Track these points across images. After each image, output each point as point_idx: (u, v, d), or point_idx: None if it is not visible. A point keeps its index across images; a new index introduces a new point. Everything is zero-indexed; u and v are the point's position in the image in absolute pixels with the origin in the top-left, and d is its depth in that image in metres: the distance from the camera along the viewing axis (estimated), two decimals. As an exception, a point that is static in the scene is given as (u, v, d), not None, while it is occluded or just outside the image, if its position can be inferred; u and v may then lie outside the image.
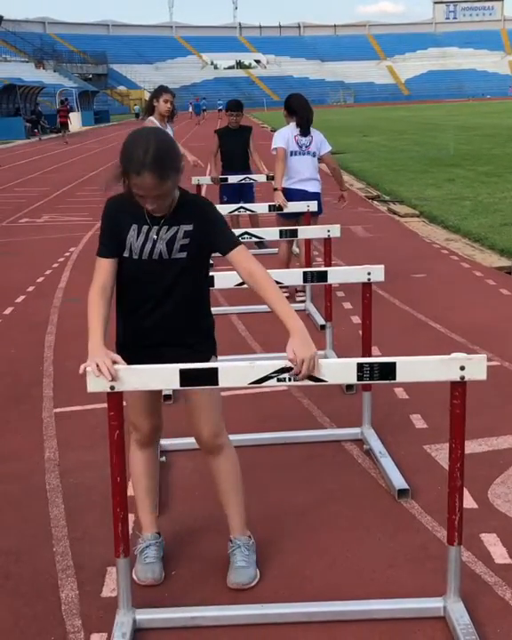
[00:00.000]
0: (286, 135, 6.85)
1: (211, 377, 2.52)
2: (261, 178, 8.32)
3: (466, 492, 3.51)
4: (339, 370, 2.56)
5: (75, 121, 45.21)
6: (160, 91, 7.95)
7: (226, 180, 8.51)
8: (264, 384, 2.52)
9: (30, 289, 7.76)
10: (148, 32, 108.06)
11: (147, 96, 70.71)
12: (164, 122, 7.86)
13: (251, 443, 4.10)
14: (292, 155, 6.85)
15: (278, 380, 2.53)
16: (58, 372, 5.30)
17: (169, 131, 7.98)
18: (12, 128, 37.24)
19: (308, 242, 6.36)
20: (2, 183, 18.14)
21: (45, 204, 14.29)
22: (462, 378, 2.48)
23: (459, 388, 2.51)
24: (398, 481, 3.58)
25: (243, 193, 8.84)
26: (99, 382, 2.51)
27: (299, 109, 6.89)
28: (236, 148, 8.84)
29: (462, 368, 2.47)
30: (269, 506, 3.50)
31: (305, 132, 6.86)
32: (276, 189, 6.82)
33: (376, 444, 3.95)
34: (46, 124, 41.86)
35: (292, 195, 6.81)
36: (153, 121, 7.87)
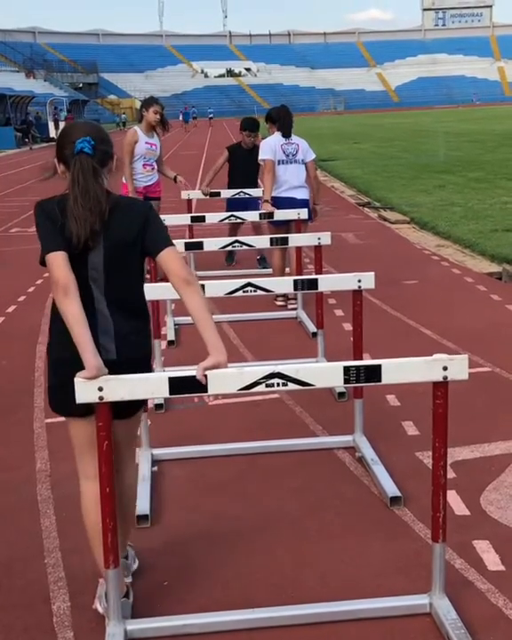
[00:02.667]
0: (273, 145, 6.91)
1: (200, 384, 2.52)
2: (257, 192, 7.98)
3: (458, 499, 3.51)
4: (326, 373, 2.57)
5: (66, 130, 45.21)
6: (150, 101, 7.99)
7: (218, 194, 8.29)
8: (254, 390, 2.51)
9: (21, 299, 7.74)
10: (139, 41, 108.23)
11: (137, 105, 70.67)
12: (151, 132, 7.86)
13: (243, 451, 4.10)
14: (279, 164, 6.90)
15: (267, 386, 2.53)
16: (49, 381, 5.27)
17: (154, 141, 7.93)
18: (2, 137, 37.24)
19: (298, 249, 6.37)
20: (-7, 193, 18.12)
21: (36, 213, 14.27)
22: (445, 378, 2.54)
23: (441, 388, 2.56)
24: (390, 488, 3.57)
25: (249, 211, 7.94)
26: (87, 393, 2.50)
27: (278, 117, 7.04)
28: (247, 167, 8.19)
29: (445, 368, 2.53)
30: (262, 514, 3.49)
31: (287, 135, 6.95)
32: (265, 201, 6.86)
33: (368, 452, 3.94)
34: (37, 133, 41.88)
35: (281, 203, 6.84)
36: (136, 130, 7.89)
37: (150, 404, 4.55)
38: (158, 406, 4.66)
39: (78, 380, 2.49)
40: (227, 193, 8.28)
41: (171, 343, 6.00)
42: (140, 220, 2.66)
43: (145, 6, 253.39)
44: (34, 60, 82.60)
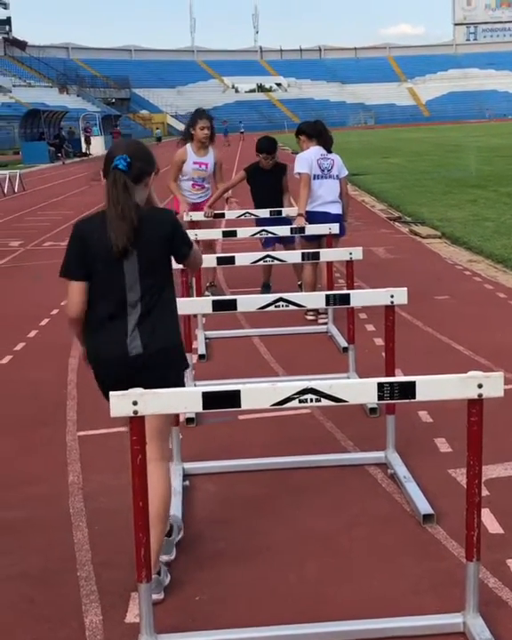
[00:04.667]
0: (309, 159, 6.95)
1: (233, 399, 2.53)
2: (264, 213, 7.40)
3: (492, 518, 3.48)
4: (360, 390, 2.56)
5: (98, 145, 45.68)
6: (196, 117, 7.70)
7: (223, 215, 7.88)
8: (286, 405, 2.51)
9: (54, 312, 7.81)
10: (171, 56, 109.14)
11: (168, 119, 71.34)
12: (203, 150, 7.66)
13: (274, 466, 4.09)
14: (314, 179, 6.93)
15: (300, 402, 2.53)
16: (81, 395, 5.31)
17: (210, 158, 7.71)
18: (36, 152, 37.65)
19: (329, 264, 6.37)
20: (26, 207, 18.33)
21: (69, 227, 14.40)
22: (480, 396, 2.53)
23: (476, 405, 2.56)
24: (423, 506, 3.55)
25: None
26: (122, 407, 2.52)
27: (317, 133, 7.14)
28: (267, 188, 7.66)
29: (480, 386, 2.52)
30: (292, 530, 3.48)
31: (329, 150, 7.05)
32: (299, 214, 6.88)
33: (400, 469, 3.92)
34: (70, 148, 42.32)
35: (314, 217, 6.86)
36: (186, 149, 7.66)
37: (181, 418, 4.56)
38: (189, 420, 4.67)
39: (113, 395, 2.53)
40: (232, 214, 7.77)
41: (201, 357, 6.02)
42: (168, 229, 3.03)
43: (177, 22, 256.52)
44: (67, 75, 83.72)
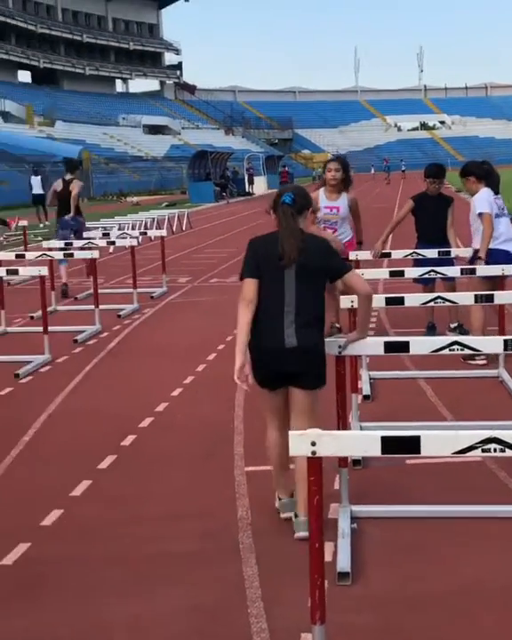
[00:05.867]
0: (488, 199, 6.95)
1: (413, 445, 2.51)
2: (431, 253, 7.17)
3: None
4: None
5: (261, 185, 46.72)
6: (328, 161, 7.88)
7: (389, 254, 7.86)
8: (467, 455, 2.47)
9: (221, 347, 8.00)
10: (334, 97, 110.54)
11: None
12: (336, 194, 7.59)
13: (443, 514, 4.00)
14: (494, 217, 6.94)
15: (483, 451, 2.47)
16: (248, 430, 5.41)
17: (342, 202, 7.63)
18: (202, 192, 38.96)
19: (501, 307, 6.20)
20: (194, 244, 18.97)
21: (234, 265, 14.77)
22: None
23: None
24: None
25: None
26: (301, 446, 2.55)
27: (486, 175, 7.10)
28: (434, 217, 7.67)
29: None
30: (461, 579, 3.38)
31: (497, 192, 7.08)
32: (479, 258, 6.74)
33: None
34: (234, 187, 43.53)
35: (496, 256, 6.79)
36: (319, 193, 7.62)
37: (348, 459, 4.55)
38: (356, 462, 4.65)
39: (293, 434, 2.57)
40: (398, 254, 7.65)
41: (366, 397, 5.99)
42: (324, 252, 3.85)
43: (341, 63, 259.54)
44: (233, 117, 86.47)
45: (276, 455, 3.99)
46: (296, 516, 3.83)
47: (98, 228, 17.27)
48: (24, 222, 15.66)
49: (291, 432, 2.60)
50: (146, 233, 14.17)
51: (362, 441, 2.58)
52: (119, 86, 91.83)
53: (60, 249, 10.40)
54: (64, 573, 3.59)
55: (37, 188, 27.10)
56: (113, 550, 3.78)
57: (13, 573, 3.60)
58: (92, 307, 9.28)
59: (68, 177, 11.99)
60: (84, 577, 3.55)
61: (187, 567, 3.58)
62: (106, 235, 12.76)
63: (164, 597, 3.33)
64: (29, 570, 3.63)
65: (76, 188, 11.81)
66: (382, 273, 7.11)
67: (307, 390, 3.84)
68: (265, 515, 4.07)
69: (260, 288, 3.80)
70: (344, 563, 3.44)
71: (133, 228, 18.49)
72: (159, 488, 4.54)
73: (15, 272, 8.52)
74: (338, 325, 7.82)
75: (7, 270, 8.33)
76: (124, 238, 12.32)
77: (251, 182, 46.54)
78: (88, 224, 18.43)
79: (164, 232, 13.26)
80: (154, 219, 20.83)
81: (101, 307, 9.33)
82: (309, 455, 2.55)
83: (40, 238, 19.53)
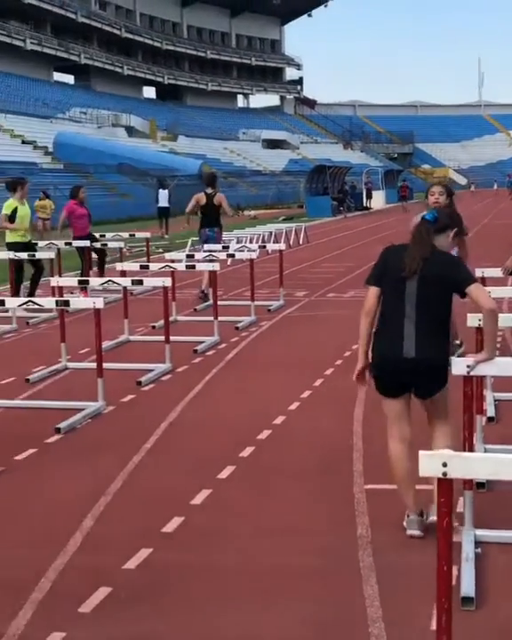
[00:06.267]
0: None
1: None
2: None
3: None
4: None
5: (379, 199, 46.40)
6: (430, 185, 7.62)
7: None
8: None
9: (338, 362, 7.98)
10: (456, 111, 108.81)
11: (451, 174, 70.53)
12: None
13: None
14: None
15: None
16: (367, 447, 5.36)
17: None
18: (319, 206, 39.00)
19: None
20: (310, 258, 19.00)
21: (351, 279, 14.73)
22: None
23: None
24: None
25: None
26: (431, 467, 2.51)
27: None
28: None
29: None
30: None
31: None
32: None
33: None
34: (352, 202, 43.39)
35: None
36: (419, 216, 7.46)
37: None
38: (480, 485, 4.53)
39: (423, 454, 2.53)
40: None
41: (490, 420, 5.84)
42: (448, 265, 3.91)
43: (464, 77, 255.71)
44: (352, 131, 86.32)
45: (398, 469, 3.99)
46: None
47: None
48: (147, 234, 16.05)
49: (421, 452, 2.55)
50: (264, 246, 14.27)
51: (493, 463, 2.51)
52: (240, 101, 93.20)
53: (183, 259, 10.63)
54: (185, 581, 3.64)
55: (163, 202, 27.72)
56: (234, 561, 3.82)
57: (136, 578, 3.68)
58: (211, 318, 9.42)
59: (209, 191, 12.48)
60: (205, 586, 3.59)
61: (307, 582, 3.57)
62: (225, 248, 12.94)
63: (284, 611, 3.33)
64: (151, 575, 3.70)
65: (223, 200, 12.48)
66: (509, 291, 6.96)
67: (426, 398, 3.98)
68: (385, 533, 4.02)
69: (383, 297, 3.95)
70: (468, 587, 3.36)
71: (251, 242, 18.69)
72: (278, 501, 4.55)
73: (140, 282, 8.76)
74: (457, 342, 7.66)
75: (132, 280, 8.56)
76: (242, 251, 12.46)
77: (369, 197, 46.28)
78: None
79: (282, 245, 13.34)
80: (271, 232, 20.99)
81: (220, 318, 9.46)
82: (440, 476, 2.50)
83: (161, 250, 20.01)
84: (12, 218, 11.76)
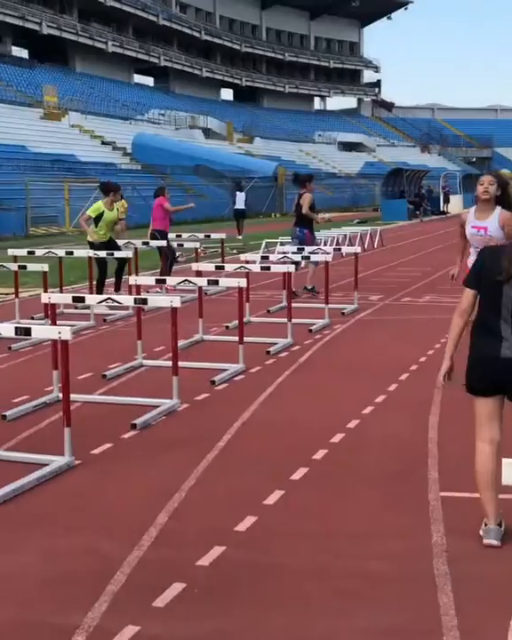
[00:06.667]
0: None
1: None
2: None
3: None
4: None
5: (457, 204, 45.75)
6: (480, 176, 7.06)
7: None
8: None
9: (413, 368, 7.90)
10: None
11: (531, 179, 68.98)
12: (487, 212, 6.73)
13: None
14: None
15: None
16: (442, 454, 5.29)
17: (492, 221, 6.71)
18: (395, 210, 38.65)
19: None
20: (385, 262, 18.86)
21: (427, 284, 14.57)
22: None
23: None
24: None
25: None
26: (515, 476, 2.47)
27: None
28: None
29: None
30: None
31: None
32: None
33: None
34: (428, 206, 42.89)
35: None
36: (470, 211, 6.97)
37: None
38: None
39: (507, 462, 2.50)
40: None
41: None
42: None
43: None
44: (430, 135, 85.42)
45: (483, 472, 3.86)
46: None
47: (291, 242, 17.55)
48: (222, 235, 16.16)
49: (505, 460, 2.53)
50: (339, 249, 14.22)
51: None
52: (317, 104, 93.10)
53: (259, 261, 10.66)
54: (257, 581, 3.65)
55: (240, 204, 27.96)
56: (307, 562, 3.81)
57: (208, 575, 3.70)
58: (285, 320, 9.43)
59: (301, 191, 13.35)
60: (276, 586, 3.59)
61: (380, 587, 3.54)
62: (300, 250, 12.93)
63: (356, 616, 3.31)
64: (223, 573, 3.72)
65: (305, 201, 13.07)
66: None
67: None
68: (461, 542, 3.95)
69: (480, 298, 3.95)
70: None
71: (326, 244, 18.64)
72: (352, 505, 4.52)
73: (216, 282, 8.82)
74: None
75: (208, 281, 8.63)
76: (316, 253, 12.43)
77: (446, 201, 45.69)
78: (282, 238, 18.79)
79: (357, 249, 13.27)
80: (346, 235, 20.90)
81: (294, 320, 9.46)
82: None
83: (235, 251, 20.12)
84: (97, 220, 12.03)
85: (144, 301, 6.92)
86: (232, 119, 67.26)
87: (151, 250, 15.24)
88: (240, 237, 26.45)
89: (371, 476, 4.99)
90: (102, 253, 11.78)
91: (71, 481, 4.96)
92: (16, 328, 5.38)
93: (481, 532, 3.93)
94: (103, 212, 12.07)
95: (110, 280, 12.42)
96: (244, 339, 8.10)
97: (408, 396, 6.87)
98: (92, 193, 32.02)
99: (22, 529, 4.26)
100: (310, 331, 9.95)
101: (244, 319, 9.90)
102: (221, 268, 10.35)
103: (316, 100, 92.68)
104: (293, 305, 9.83)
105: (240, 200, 28.02)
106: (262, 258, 12.11)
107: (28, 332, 5.35)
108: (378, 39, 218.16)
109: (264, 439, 5.78)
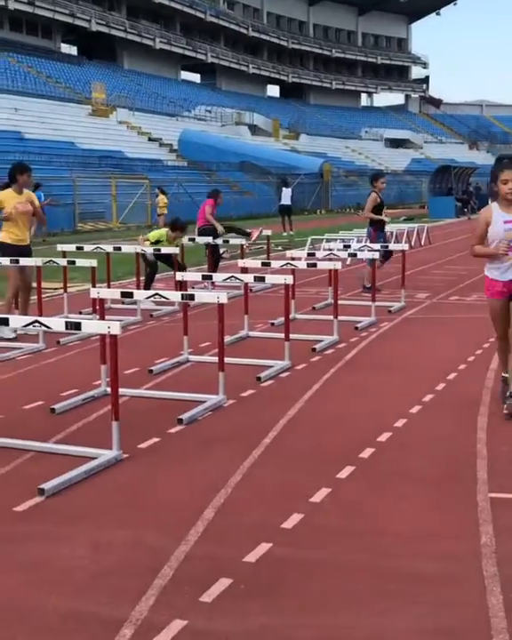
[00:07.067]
0: None
1: None
2: None
3: None
4: None
5: (505, 201, 45.07)
6: (496, 170, 6.56)
7: None
8: None
9: (462, 367, 7.82)
10: None
11: None
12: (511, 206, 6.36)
13: None
14: None
15: None
16: (491, 455, 5.23)
17: None
18: (442, 207, 38.32)
19: None
20: (432, 260, 18.69)
21: (474, 282, 14.39)
22: None
23: None
24: None
25: None
26: None
27: None
28: None
29: None
30: None
31: None
32: None
33: None
34: (476, 204, 42.44)
35: None
36: (491, 207, 6.65)
37: None
38: None
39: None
40: None
41: None
42: None
43: None
44: (478, 132, 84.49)
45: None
46: None
47: (337, 239, 17.49)
48: (268, 232, 16.13)
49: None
50: (387, 246, 14.14)
51: None
52: (364, 100, 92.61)
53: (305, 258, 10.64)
54: (304, 578, 3.64)
55: (286, 200, 27.95)
56: (354, 561, 3.79)
57: (255, 571, 3.71)
58: (330, 317, 9.40)
59: (370, 189, 13.83)
60: (324, 584, 3.58)
61: (428, 588, 3.51)
62: (346, 247, 12.88)
63: (403, 615, 3.29)
64: (270, 570, 3.72)
65: (368, 200, 13.65)
66: None
67: None
68: (511, 543, 3.90)
69: None
70: None
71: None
72: (399, 504, 4.49)
73: (262, 279, 8.82)
74: (505, 375, 6.39)
75: (254, 277, 8.63)
76: (363, 251, 12.37)
77: (494, 198, 45.13)
78: (328, 235, 18.72)
79: (405, 246, 13.17)
80: (392, 232, 20.75)
81: (340, 318, 9.42)
82: None
83: (280, 248, 20.09)
84: None
85: (191, 297, 6.95)
86: (278, 115, 67.23)
87: (197, 246, 15.29)
88: (286, 234, 26.43)
89: (418, 475, 4.95)
90: (149, 250, 11.85)
91: (119, 474, 5.00)
92: (66, 322, 5.43)
93: None
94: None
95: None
96: (290, 336, 8.09)
97: (456, 396, 6.80)
98: (138, 189, 32.30)
99: (71, 521, 4.31)
100: (356, 328, 9.90)
101: (290, 316, 9.90)
102: (267, 264, 10.34)
103: (363, 96, 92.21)
104: (340, 302, 9.79)
105: (286, 196, 28.03)
106: (308, 254, 12.08)
107: (78, 326, 5.40)
108: (426, 35, 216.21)
109: (310, 436, 5.77)
